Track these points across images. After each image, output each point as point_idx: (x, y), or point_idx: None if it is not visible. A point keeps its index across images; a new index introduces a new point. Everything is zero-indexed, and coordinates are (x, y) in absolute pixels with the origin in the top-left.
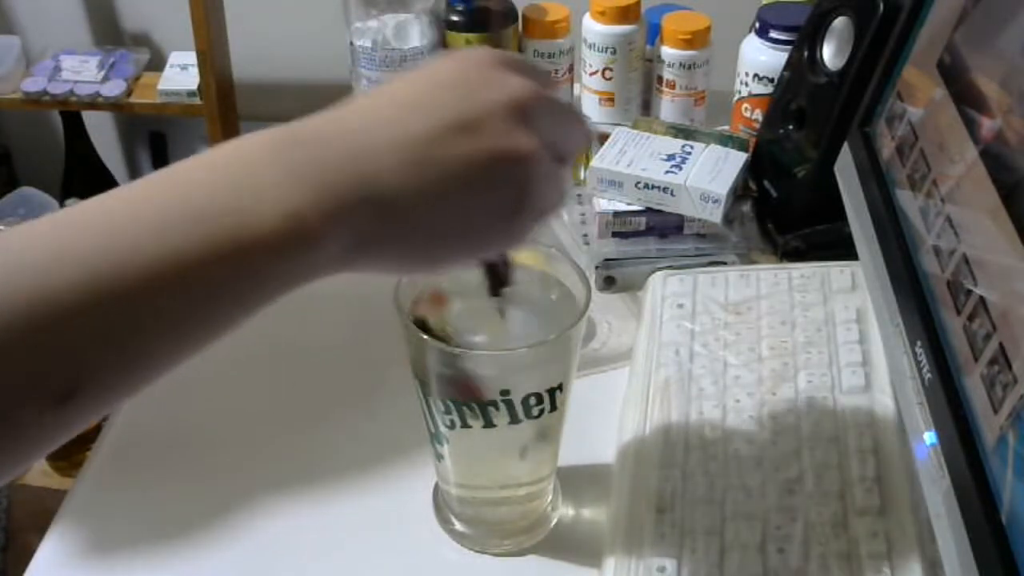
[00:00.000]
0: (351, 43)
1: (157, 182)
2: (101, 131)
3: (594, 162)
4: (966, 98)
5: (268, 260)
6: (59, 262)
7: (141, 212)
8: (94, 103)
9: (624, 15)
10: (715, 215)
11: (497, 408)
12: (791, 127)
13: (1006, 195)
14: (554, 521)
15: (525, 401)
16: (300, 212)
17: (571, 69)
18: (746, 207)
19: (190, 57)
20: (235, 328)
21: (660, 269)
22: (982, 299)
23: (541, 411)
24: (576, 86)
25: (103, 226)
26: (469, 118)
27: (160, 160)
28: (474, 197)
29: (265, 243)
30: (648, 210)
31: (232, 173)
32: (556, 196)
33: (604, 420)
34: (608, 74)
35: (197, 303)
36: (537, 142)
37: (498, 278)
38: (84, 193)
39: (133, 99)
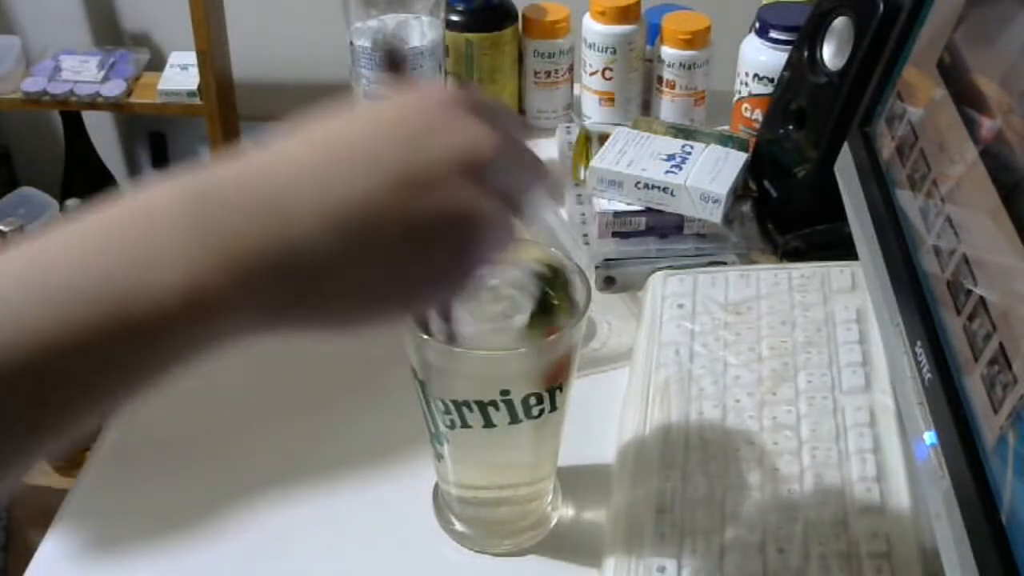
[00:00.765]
0: (351, 43)
1: (47, 247)
2: (101, 131)
3: (594, 162)
4: (966, 98)
5: (160, 336)
6: None
7: (23, 283)
8: (94, 103)
9: (624, 15)
10: (715, 215)
11: (497, 408)
12: (791, 127)
13: (1006, 195)
14: (554, 521)
15: (525, 401)
16: (198, 284)
17: (571, 69)
18: (746, 207)
19: (190, 57)
20: (127, 402)
21: (660, 269)
22: (982, 299)
23: (541, 411)
24: (576, 86)
25: None
26: (413, 174)
27: (160, 160)
28: (411, 261)
29: (156, 319)
30: (648, 210)
31: (130, 237)
32: (503, 240)
33: (604, 420)
34: (608, 74)
35: (77, 384)
36: (489, 199)
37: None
38: (84, 193)
39: (133, 99)
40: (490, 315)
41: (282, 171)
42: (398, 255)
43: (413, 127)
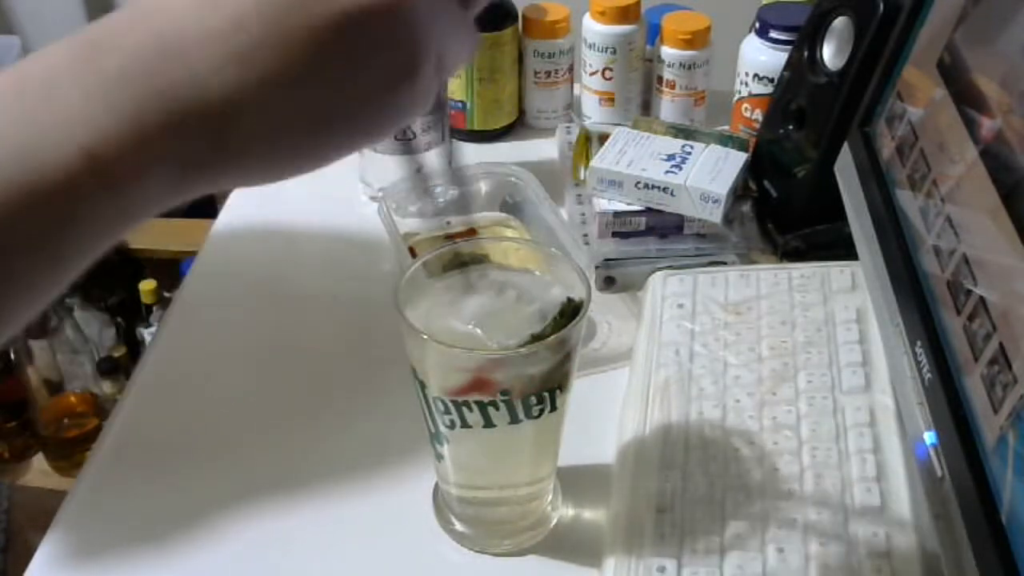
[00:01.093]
0: None
1: None
2: None
3: (594, 162)
4: (966, 98)
5: (74, 204)
6: None
7: None
8: None
9: (624, 15)
10: (715, 215)
11: (497, 408)
12: (791, 127)
13: (1006, 195)
14: (554, 521)
15: (525, 401)
16: (101, 143)
17: (571, 69)
18: (746, 207)
19: None
20: (62, 282)
21: (660, 269)
22: (982, 299)
23: (541, 411)
24: (576, 86)
25: None
26: None
27: None
28: (345, 73)
29: (65, 183)
30: (648, 210)
31: (24, 100)
32: (461, 40)
33: (604, 420)
34: (608, 74)
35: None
36: None
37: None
38: None
39: None
40: (503, 321)
41: (176, 8)
42: (318, 77)
43: None
